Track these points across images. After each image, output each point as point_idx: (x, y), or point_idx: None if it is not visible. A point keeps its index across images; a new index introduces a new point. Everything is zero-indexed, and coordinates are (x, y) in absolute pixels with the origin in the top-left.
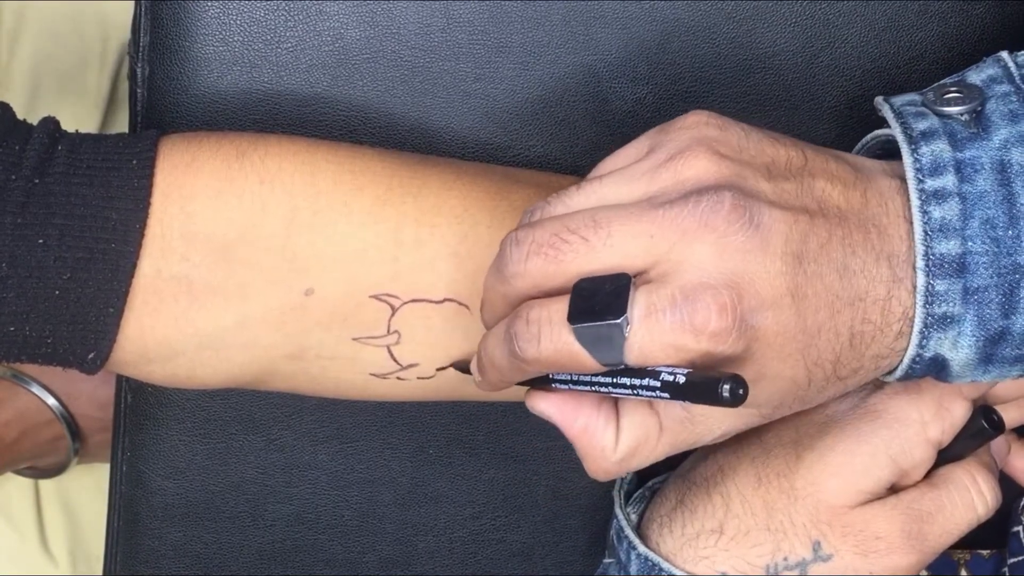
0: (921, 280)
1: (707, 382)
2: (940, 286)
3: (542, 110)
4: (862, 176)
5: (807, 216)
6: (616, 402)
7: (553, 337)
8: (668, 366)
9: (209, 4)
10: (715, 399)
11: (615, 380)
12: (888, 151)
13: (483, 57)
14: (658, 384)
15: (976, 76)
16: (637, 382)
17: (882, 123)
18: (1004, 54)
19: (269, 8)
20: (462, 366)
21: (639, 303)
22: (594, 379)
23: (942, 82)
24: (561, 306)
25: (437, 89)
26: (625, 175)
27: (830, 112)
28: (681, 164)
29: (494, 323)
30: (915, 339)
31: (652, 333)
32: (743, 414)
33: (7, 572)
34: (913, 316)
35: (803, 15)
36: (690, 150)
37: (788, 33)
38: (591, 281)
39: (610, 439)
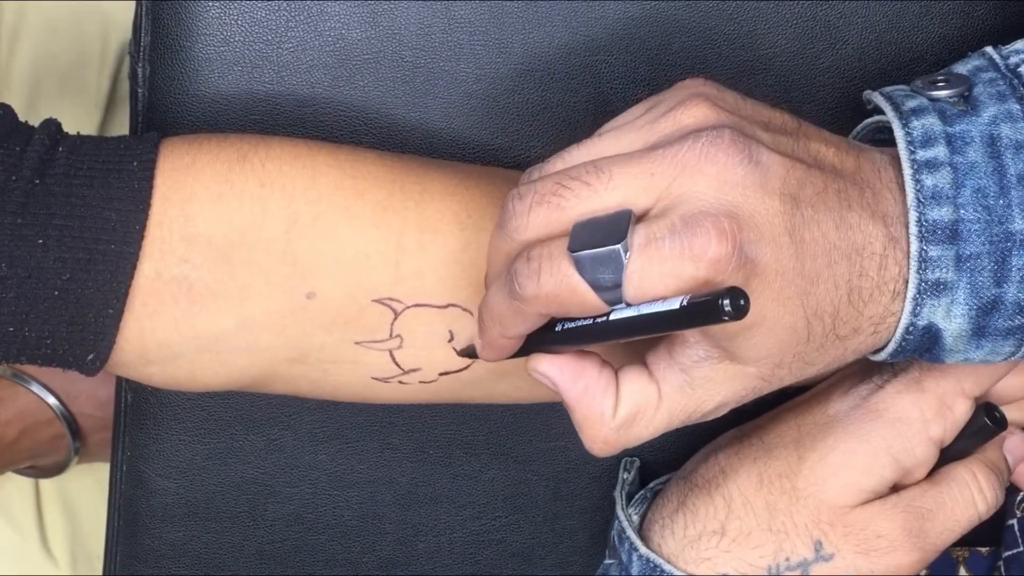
0: (915, 246)
1: (706, 301)
2: (933, 252)
3: (543, 111)
4: (854, 146)
5: (804, 166)
6: (616, 371)
7: (553, 270)
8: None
9: (210, 4)
10: (717, 315)
11: (616, 319)
12: (878, 141)
13: (484, 58)
14: (659, 313)
15: (963, 67)
16: (639, 313)
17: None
18: (989, 48)
19: (270, 8)
20: (468, 352)
21: (639, 233)
22: (596, 320)
23: (930, 74)
24: (562, 241)
25: (438, 90)
26: (624, 129)
27: (831, 113)
28: (680, 114)
29: None
30: (908, 306)
31: (651, 261)
32: (743, 377)
33: (7, 572)
34: (908, 279)
35: (803, 16)
36: (689, 100)
37: (789, 34)
38: (592, 219)
39: (609, 405)
